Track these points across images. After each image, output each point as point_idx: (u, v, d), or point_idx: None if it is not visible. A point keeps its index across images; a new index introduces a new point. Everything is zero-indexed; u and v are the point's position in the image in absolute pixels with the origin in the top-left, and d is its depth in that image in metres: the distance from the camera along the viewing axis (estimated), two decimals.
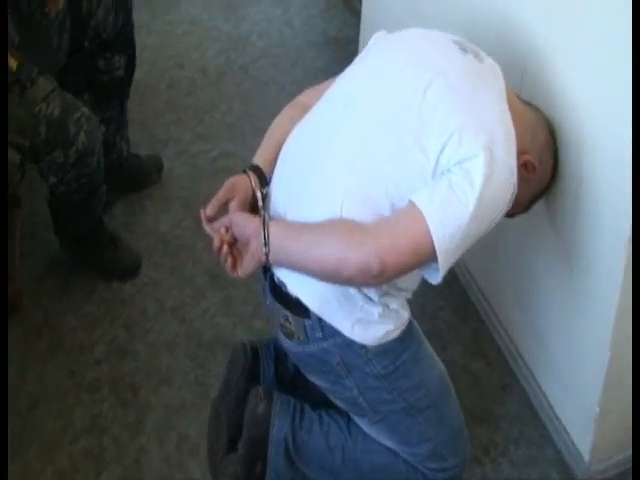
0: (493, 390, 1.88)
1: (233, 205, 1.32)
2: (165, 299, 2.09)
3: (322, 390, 1.50)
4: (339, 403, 1.51)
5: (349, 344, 1.34)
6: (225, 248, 1.27)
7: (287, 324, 1.38)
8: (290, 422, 1.53)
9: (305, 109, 1.45)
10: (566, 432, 1.71)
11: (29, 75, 1.71)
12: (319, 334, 1.35)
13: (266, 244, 1.24)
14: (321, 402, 1.56)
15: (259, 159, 1.42)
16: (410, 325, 1.42)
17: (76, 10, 1.94)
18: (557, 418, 1.74)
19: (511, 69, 1.43)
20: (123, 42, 2.12)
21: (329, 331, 1.34)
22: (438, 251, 1.19)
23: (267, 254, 1.24)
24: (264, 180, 1.38)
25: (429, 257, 1.21)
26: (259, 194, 1.36)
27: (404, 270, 1.23)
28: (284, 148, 1.41)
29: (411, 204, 1.21)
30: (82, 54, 2.04)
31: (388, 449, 1.51)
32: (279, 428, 1.53)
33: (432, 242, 1.18)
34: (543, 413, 1.80)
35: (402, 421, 1.46)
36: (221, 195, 1.34)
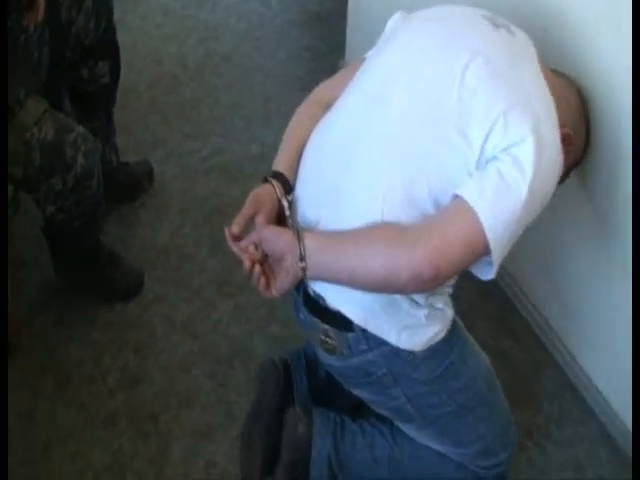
0: (527, 368, 1.84)
1: (260, 219, 1.21)
2: (174, 315, 1.97)
3: (365, 401, 1.45)
4: (383, 412, 1.45)
5: (396, 352, 1.28)
6: (257, 268, 1.18)
7: (327, 339, 1.31)
8: (332, 438, 1.48)
9: (324, 105, 1.36)
10: (608, 404, 1.69)
11: (17, 98, 1.56)
12: (364, 346, 1.28)
13: (302, 259, 1.14)
14: (357, 406, 1.52)
15: (280, 164, 1.31)
16: (454, 322, 1.36)
17: (55, 19, 1.79)
18: (597, 390, 1.72)
19: (530, 30, 1.33)
20: (106, 46, 1.98)
21: (374, 342, 1.27)
22: (493, 246, 1.12)
23: (304, 269, 1.15)
24: (288, 187, 1.29)
25: (482, 253, 1.14)
26: (286, 203, 1.26)
27: (457, 271, 1.18)
28: (308, 150, 1.32)
29: (459, 200, 1.13)
30: (63, 65, 1.89)
31: (437, 452, 1.46)
32: (321, 447, 1.48)
33: (486, 238, 1.11)
34: (581, 387, 1.77)
35: (452, 423, 1.41)
36: (246, 210, 1.22)
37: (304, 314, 1.32)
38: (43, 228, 1.84)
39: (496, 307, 1.94)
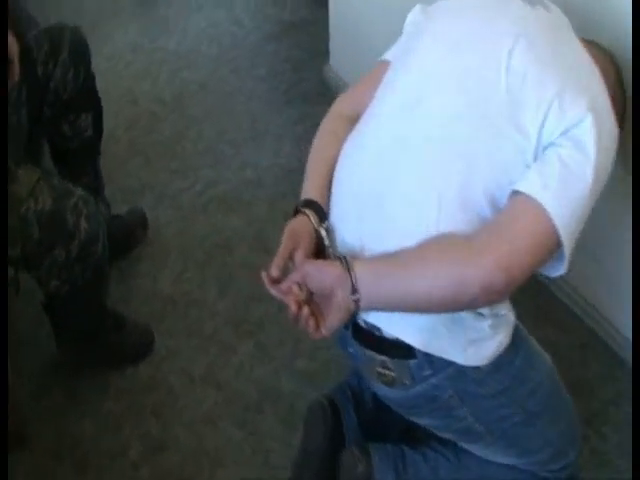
0: (573, 353, 1.76)
1: (300, 255, 1.12)
2: (190, 368, 1.83)
3: (428, 428, 1.36)
4: (447, 436, 1.37)
5: (461, 372, 1.18)
6: (305, 310, 1.06)
7: (386, 371, 1.20)
8: (394, 474, 1.40)
9: (347, 120, 1.28)
10: None
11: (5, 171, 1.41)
12: (428, 371, 1.18)
13: (355, 291, 1.03)
14: (411, 429, 1.43)
15: (310, 191, 1.22)
16: (515, 326, 1.27)
17: (32, 77, 1.68)
18: None
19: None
20: (86, 97, 1.86)
21: (439, 364, 1.17)
22: (564, 238, 1.03)
23: (358, 302, 1.04)
24: (323, 214, 1.20)
25: (554, 250, 1.05)
26: (324, 232, 1.17)
27: (529, 274, 1.05)
28: (339, 170, 1.23)
29: (521, 196, 1.04)
30: (42, 124, 1.77)
31: (506, 466, 1.38)
32: None
33: (556, 231, 1.03)
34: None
35: (521, 433, 1.32)
36: (284, 249, 1.13)
37: (355, 348, 1.22)
38: (44, 304, 1.67)
39: (533, 294, 1.81)
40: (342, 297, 1.04)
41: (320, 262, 1.11)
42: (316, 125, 1.31)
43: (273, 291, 1.09)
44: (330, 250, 1.16)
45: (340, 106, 1.33)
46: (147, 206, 2.19)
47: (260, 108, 2.43)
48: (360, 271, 1.04)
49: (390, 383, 1.21)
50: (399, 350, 1.16)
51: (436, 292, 1.03)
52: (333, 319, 1.06)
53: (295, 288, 1.07)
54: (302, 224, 1.16)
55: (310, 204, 1.19)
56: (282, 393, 1.74)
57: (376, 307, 1.09)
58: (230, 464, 1.63)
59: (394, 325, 1.15)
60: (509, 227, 1.04)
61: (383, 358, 1.18)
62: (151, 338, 1.87)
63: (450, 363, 1.16)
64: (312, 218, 1.17)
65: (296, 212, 1.19)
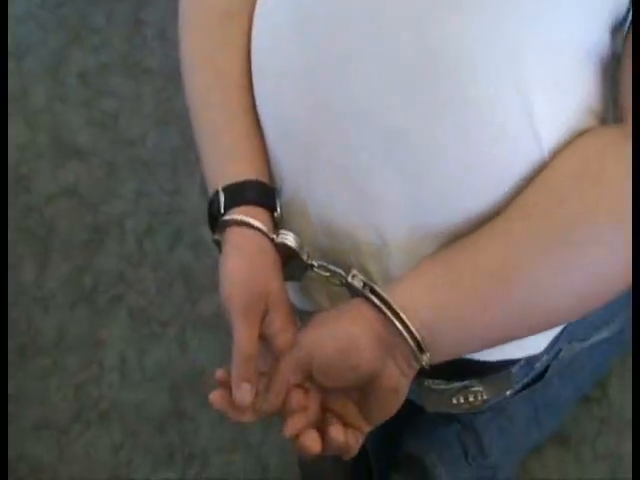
0: None
1: (279, 318, 0.62)
2: None
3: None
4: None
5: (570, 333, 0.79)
6: (335, 432, 0.60)
7: (470, 397, 0.78)
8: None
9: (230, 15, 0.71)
10: None
11: None
12: (544, 357, 0.79)
13: (423, 349, 0.58)
14: None
15: (236, 164, 0.68)
16: None
17: None
18: None
19: None
20: None
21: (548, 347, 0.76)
22: None
23: (427, 365, 0.59)
24: (273, 203, 0.66)
25: None
26: (291, 240, 0.64)
27: None
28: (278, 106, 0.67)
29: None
30: None
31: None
32: None
33: None
34: None
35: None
36: (243, 344, 0.60)
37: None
38: None
39: None
40: (392, 374, 0.59)
41: (328, 318, 0.61)
42: None
43: (245, 417, 0.61)
44: (313, 266, 0.65)
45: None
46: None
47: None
48: (423, 313, 0.58)
49: (479, 406, 0.80)
50: (488, 367, 0.73)
51: (557, 309, 0.60)
52: (380, 413, 0.61)
53: (296, 398, 0.60)
54: (251, 254, 0.63)
55: (243, 195, 0.65)
56: None
57: (459, 354, 0.64)
58: None
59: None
60: None
61: (465, 383, 0.77)
62: None
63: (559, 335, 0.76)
64: (261, 226, 0.64)
65: (224, 227, 0.64)
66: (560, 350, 0.82)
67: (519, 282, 0.57)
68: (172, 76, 1.58)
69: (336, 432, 0.59)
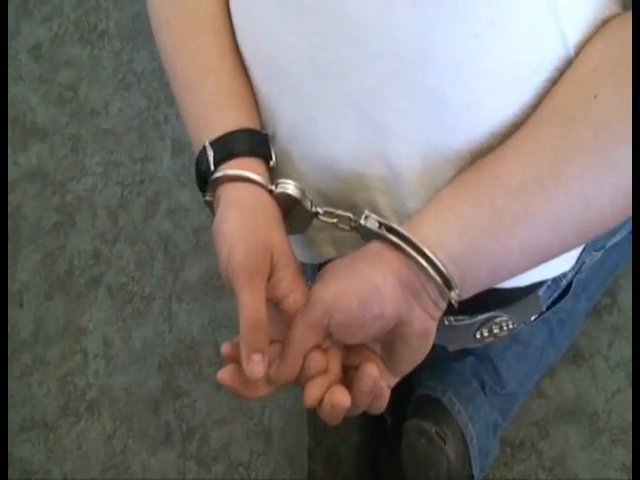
0: None
1: (289, 273, 0.56)
2: None
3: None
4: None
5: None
6: (373, 369, 0.53)
7: (495, 328, 0.73)
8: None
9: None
10: None
11: None
12: (570, 274, 0.74)
13: (451, 285, 0.52)
14: None
15: (224, 111, 0.60)
16: None
17: None
18: None
19: None
20: None
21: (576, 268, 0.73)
22: None
23: (455, 303, 0.53)
24: (268, 152, 0.60)
25: None
26: (294, 190, 0.57)
27: None
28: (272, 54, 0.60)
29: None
30: None
31: None
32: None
33: None
34: None
35: None
36: (249, 316, 0.52)
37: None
38: None
39: None
40: (419, 317, 0.53)
41: (341, 268, 0.54)
42: None
43: (258, 393, 0.55)
44: (319, 214, 0.59)
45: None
46: None
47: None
48: (449, 244, 0.51)
49: (504, 337, 0.75)
50: (514, 293, 0.67)
51: (599, 215, 0.52)
52: (405, 364, 0.55)
53: (315, 358, 0.53)
54: (250, 210, 0.56)
55: (234, 147, 0.58)
56: None
57: (482, 287, 0.56)
58: None
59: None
60: None
61: (493, 314, 0.71)
62: None
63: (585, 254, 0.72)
64: (257, 178, 0.57)
65: (216, 185, 0.58)
66: (584, 263, 0.76)
67: (558, 192, 0.50)
68: (130, 35, 1.49)
69: (371, 368, 0.53)
